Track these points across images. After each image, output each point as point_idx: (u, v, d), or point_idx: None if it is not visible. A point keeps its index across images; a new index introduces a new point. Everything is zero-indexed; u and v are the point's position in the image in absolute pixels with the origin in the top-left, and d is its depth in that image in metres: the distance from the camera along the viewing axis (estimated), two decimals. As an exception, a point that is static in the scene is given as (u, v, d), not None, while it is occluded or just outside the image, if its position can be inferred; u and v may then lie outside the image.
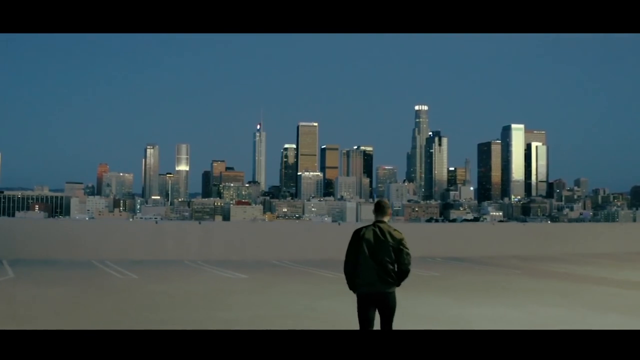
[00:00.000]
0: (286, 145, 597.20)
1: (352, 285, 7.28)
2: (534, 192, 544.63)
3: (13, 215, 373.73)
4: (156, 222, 23.90)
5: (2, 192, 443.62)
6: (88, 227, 27.87)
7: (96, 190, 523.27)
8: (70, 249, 23.58)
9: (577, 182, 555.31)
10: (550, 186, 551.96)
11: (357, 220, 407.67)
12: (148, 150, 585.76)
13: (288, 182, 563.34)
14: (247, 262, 23.34)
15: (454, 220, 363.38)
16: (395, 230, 7.32)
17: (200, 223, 24.37)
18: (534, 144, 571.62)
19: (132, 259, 22.99)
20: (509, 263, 25.78)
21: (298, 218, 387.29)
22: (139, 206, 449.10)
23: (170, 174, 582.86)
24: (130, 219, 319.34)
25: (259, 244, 26.15)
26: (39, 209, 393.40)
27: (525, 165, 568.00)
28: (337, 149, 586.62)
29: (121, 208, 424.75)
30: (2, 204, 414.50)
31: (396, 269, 7.20)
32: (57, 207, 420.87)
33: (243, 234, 26.86)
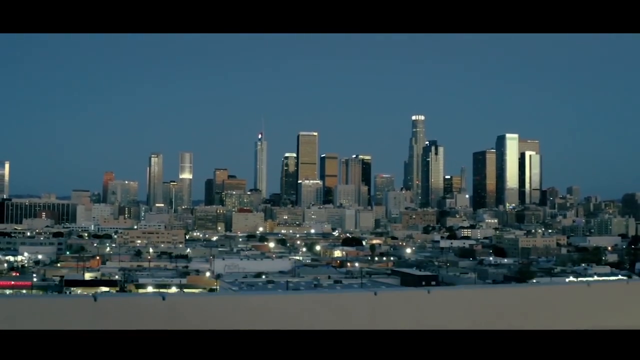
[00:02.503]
0: (287, 154, 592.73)
1: None
2: (527, 200, 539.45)
3: (20, 222, 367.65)
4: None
5: (10, 200, 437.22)
6: None
7: (102, 197, 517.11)
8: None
9: (570, 190, 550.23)
10: (543, 194, 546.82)
11: (355, 227, 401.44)
12: (152, 158, 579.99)
13: (289, 190, 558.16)
14: None
15: (450, 228, 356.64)
16: None
17: (164, 299, 15.51)
18: (527, 153, 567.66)
19: None
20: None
21: (298, 225, 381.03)
22: (143, 214, 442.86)
23: (174, 182, 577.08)
24: (135, 226, 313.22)
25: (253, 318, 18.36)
26: (45, 217, 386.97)
27: (519, 174, 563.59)
28: (336, 158, 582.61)
29: (126, 215, 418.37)
30: (9, 212, 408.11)
31: None
32: (63, 215, 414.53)
33: (224, 314, 19.42)
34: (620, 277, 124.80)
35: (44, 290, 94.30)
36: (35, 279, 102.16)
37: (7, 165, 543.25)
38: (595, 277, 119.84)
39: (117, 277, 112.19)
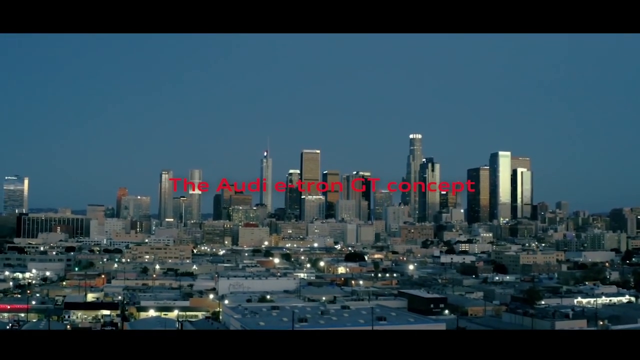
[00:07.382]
0: (291, 171, 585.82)
1: None
2: (519, 214, 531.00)
3: (36, 236, 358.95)
4: None
5: (27, 215, 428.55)
6: None
7: (116, 212, 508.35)
8: None
9: (559, 205, 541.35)
10: (534, 209, 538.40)
11: (357, 241, 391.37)
12: (163, 175, 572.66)
13: (293, 205, 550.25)
14: None
15: (448, 242, 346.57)
16: None
17: None
18: (519, 170, 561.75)
19: None
20: None
21: (302, 239, 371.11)
22: (154, 228, 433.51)
23: (183, 197, 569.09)
24: (146, 240, 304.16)
25: None
26: (60, 231, 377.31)
27: (511, 189, 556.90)
28: (337, 174, 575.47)
29: (137, 229, 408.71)
30: (26, 226, 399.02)
31: None
32: (77, 229, 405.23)
33: None
34: (627, 297, 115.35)
35: (42, 314, 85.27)
36: (34, 302, 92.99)
37: (26, 181, 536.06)
38: (604, 298, 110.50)
39: (120, 297, 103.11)
